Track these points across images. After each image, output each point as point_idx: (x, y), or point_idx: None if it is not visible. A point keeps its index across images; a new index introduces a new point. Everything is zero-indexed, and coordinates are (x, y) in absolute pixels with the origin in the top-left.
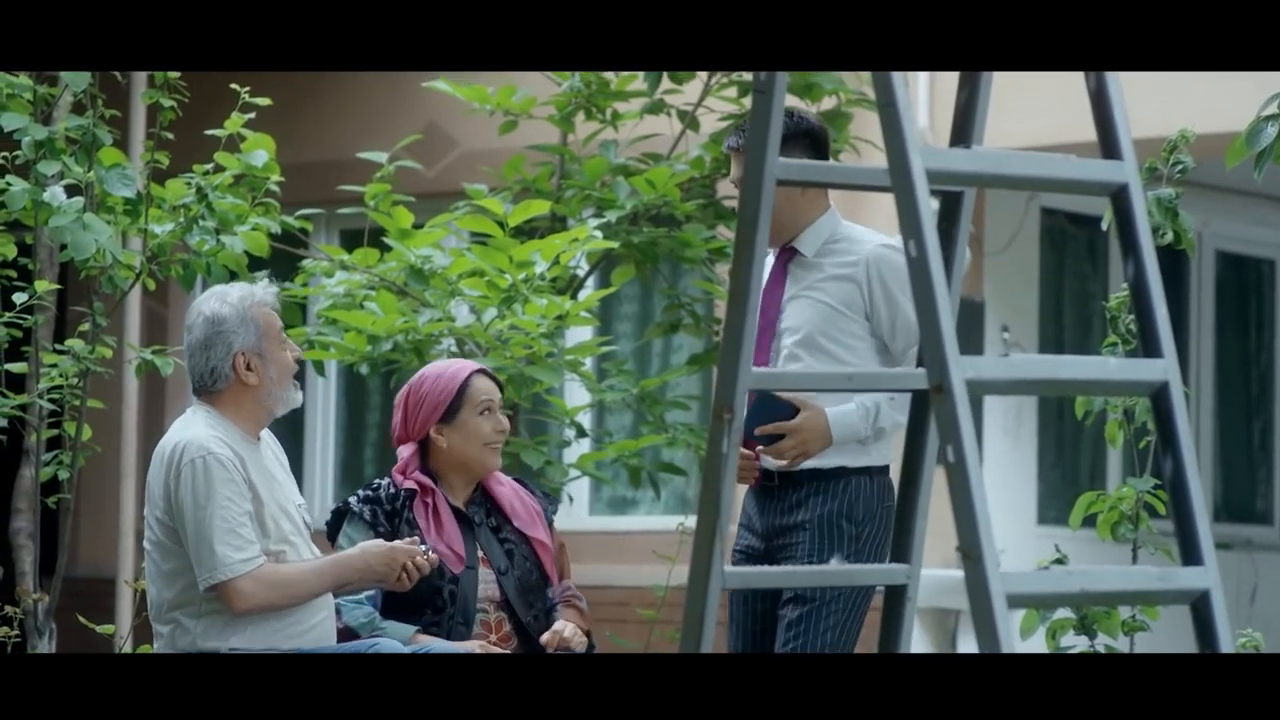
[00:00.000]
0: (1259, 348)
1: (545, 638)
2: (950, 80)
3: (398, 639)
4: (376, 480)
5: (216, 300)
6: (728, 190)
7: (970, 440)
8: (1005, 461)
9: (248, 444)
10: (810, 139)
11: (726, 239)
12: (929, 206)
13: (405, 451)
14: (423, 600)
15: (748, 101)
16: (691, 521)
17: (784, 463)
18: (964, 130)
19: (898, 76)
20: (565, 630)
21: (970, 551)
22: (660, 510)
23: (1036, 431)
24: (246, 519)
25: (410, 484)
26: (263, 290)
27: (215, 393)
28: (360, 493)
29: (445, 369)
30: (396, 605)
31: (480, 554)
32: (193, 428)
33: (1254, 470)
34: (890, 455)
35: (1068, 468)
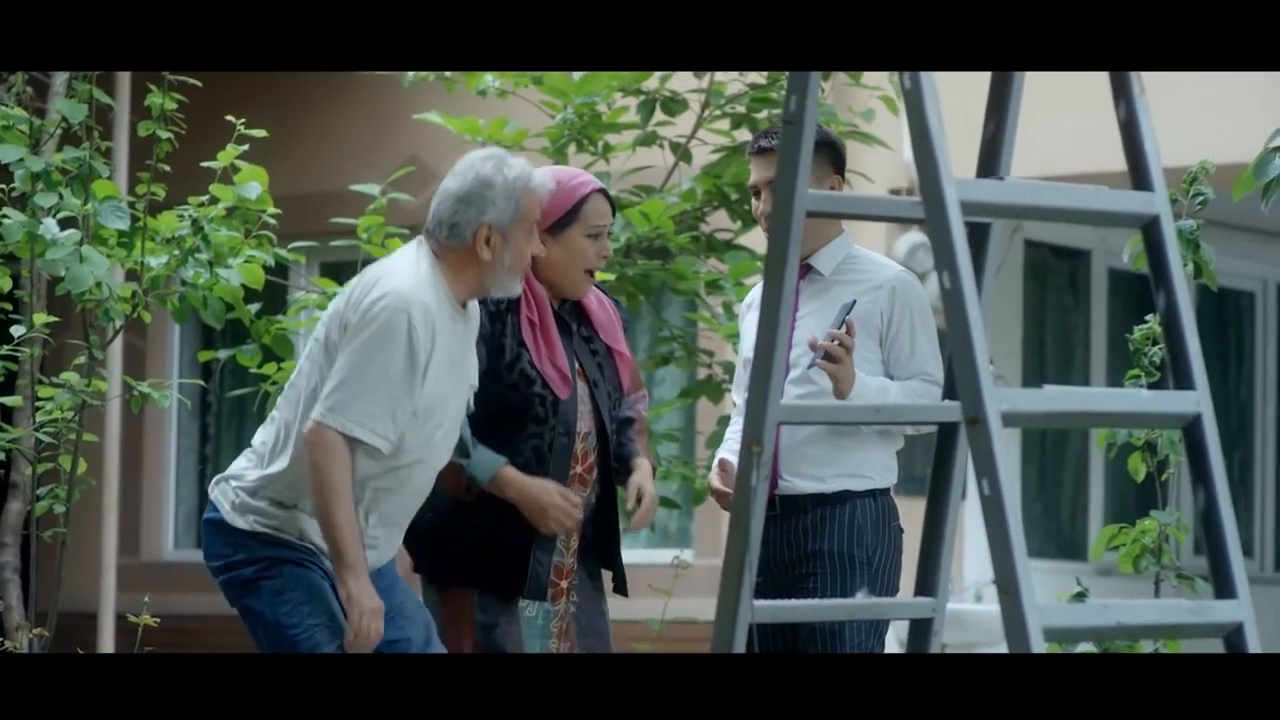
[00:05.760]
0: (1239, 380)
1: (631, 490)
2: (948, 109)
3: (485, 469)
4: None
5: (496, 164)
6: (718, 223)
7: (1006, 473)
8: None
9: (453, 312)
10: (830, 149)
11: (719, 271)
12: (964, 238)
13: None
14: (523, 411)
15: (740, 134)
16: (686, 555)
17: (819, 359)
18: (991, 162)
19: (932, 108)
20: (645, 485)
21: (1006, 585)
22: (655, 544)
23: (1020, 465)
24: (402, 405)
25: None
26: (541, 177)
27: (442, 245)
28: None
29: (569, 178)
30: (497, 419)
31: (577, 365)
32: (411, 277)
33: (1234, 503)
34: (894, 478)
35: (1050, 501)
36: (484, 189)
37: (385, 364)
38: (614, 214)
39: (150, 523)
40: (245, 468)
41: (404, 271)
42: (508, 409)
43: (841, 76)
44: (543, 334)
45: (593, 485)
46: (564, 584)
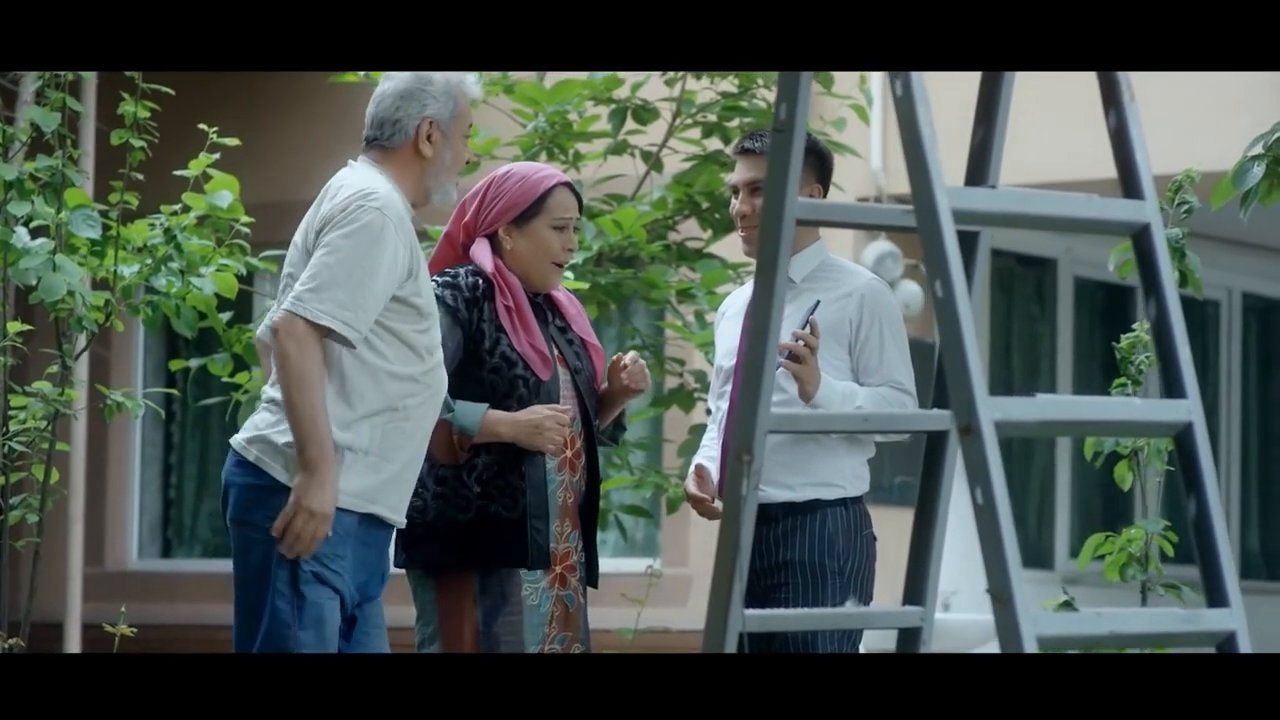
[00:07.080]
0: (1204, 390)
1: (618, 357)
2: (936, 117)
3: (472, 417)
4: (451, 269)
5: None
6: (688, 232)
7: (1000, 482)
8: (956, 503)
9: (409, 213)
10: (816, 157)
11: (690, 280)
12: (956, 247)
13: (481, 248)
14: (506, 394)
15: (711, 143)
16: (658, 564)
17: (783, 359)
18: (980, 170)
19: (923, 116)
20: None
21: (1000, 594)
22: (627, 553)
23: None
24: (373, 301)
25: (491, 271)
26: (473, 83)
27: (385, 149)
28: (436, 279)
29: (534, 171)
30: (479, 398)
31: (557, 352)
32: (373, 180)
33: None
34: (865, 486)
35: (1017, 508)
36: (424, 84)
37: (359, 258)
38: (580, 209)
39: (115, 532)
40: (275, 421)
41: (367, 180)
42: (493, 394)
43: (814, 85)
44: (519, 318)
45: (580, 471)
46: (559, 569)
